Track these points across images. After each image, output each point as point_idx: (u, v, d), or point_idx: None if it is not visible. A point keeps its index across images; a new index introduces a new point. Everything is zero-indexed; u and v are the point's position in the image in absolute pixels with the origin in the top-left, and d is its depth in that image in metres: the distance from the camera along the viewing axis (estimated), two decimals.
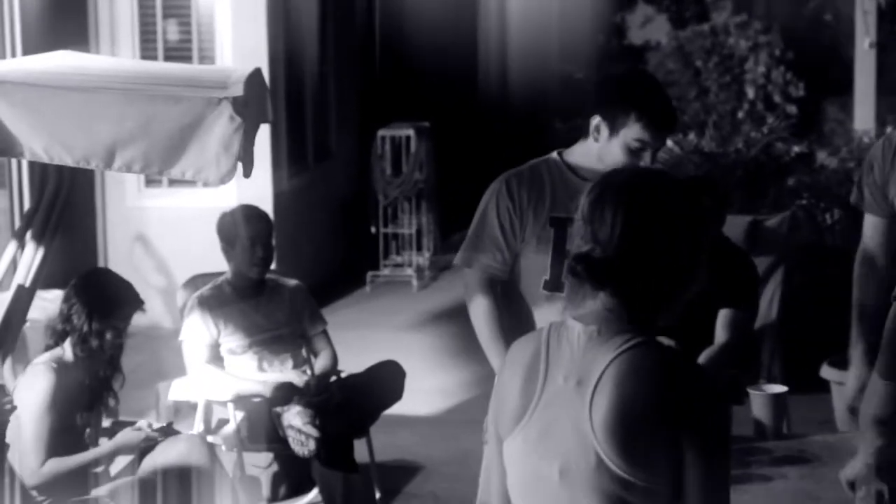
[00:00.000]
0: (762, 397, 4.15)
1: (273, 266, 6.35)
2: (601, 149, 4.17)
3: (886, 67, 10.21)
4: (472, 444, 8.08)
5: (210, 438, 6.04)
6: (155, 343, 8.94)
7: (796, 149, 11.20)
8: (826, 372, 7.42)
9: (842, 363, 7.22)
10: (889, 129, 4.51)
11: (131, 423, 5.32)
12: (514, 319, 4.33)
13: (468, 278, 4.38)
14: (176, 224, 10.12)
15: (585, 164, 4.23)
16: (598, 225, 2.59)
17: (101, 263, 10.07)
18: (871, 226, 4.44)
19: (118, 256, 10.28)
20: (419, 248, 12.32)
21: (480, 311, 4.34)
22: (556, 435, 2.59)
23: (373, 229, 12.17)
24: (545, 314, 4.17)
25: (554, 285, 4.19)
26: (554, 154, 4.32)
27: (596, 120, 4.17)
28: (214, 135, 4.22)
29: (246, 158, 4.20)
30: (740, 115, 14.14)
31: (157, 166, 4.44)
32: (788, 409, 4.22)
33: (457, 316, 11.57)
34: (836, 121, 13.44)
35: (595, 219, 2.60)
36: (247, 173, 4.26)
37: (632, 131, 4.11)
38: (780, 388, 4.19)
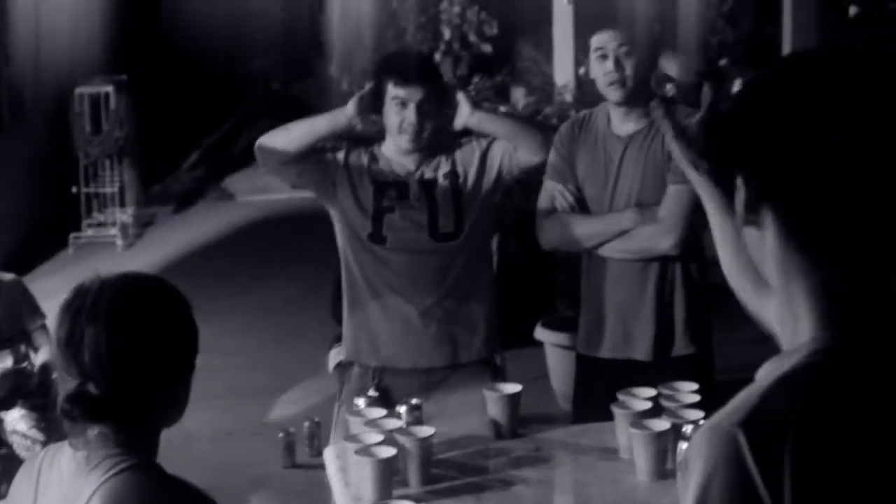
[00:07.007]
0: (497, 397, 4.21)
1: None
2: (388, 124, 4.74)
3: (579, 17, 10.40)
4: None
5: None
6: None
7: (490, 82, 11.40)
8: (539, 333, 7.65)
9: (553, 324, 7.50)
10: (572, 113, 5.14)
11: None
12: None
13: None
14: None
15: (389, 150, 4.81)
16: (80, 351, 2.33)
17: None
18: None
19: None
20: (122, 205, 12.06)
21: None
22: None
23: (73, 189, 11.86)
24: (367, 263, 4.78)
25: (376, 238, 4.76)
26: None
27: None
28: None
29: None
30: (437, 55, 14.24)
31: None
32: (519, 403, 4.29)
33: (165, 275, 11.40)
34: (530, 59, 13.68)
35: (75, 343, 2.34)
36: None
37: (389, 94, 4.69)
38: (514, 388, 4.25)
